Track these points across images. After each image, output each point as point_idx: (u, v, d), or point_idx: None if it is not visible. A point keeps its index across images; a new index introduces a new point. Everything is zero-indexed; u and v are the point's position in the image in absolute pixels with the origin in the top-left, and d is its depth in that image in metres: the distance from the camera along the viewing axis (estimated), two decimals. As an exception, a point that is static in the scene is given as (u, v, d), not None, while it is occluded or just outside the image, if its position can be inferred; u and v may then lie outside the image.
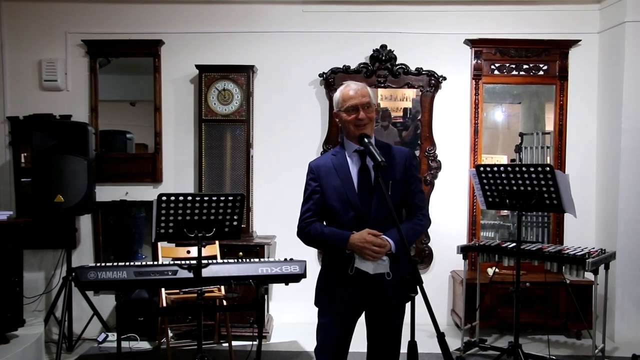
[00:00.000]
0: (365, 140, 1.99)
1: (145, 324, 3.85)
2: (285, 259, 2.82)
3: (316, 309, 2.17)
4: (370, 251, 1.95)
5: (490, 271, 3.89)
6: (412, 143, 4.28)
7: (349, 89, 2.07)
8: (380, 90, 4.26)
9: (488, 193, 3.15)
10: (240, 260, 2.91)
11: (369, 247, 1.95)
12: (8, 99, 4.22)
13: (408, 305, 1.81)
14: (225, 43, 4.25)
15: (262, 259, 3.17)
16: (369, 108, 2.05)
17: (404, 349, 1.94)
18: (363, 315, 2.14)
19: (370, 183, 2.04)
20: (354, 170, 2.07)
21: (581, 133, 4.25)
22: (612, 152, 4.04)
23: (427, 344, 3.45)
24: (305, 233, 2.10)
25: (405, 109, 4.30)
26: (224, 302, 3.56)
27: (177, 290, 3.34)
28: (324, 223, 2.13)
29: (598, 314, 3.46)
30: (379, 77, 4.22)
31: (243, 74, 4.10)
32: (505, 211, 4.27)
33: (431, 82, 4.22)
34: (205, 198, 2.57)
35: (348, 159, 2.09)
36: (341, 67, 4.21)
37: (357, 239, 1.97)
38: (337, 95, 2.11)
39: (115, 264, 2.64)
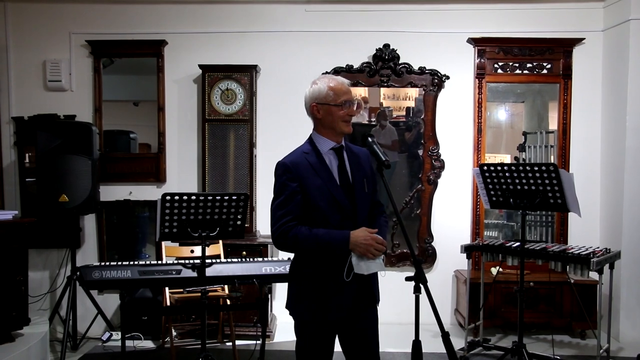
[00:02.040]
0: (369, 139, 1.99)
1: (149, 323, 3.86)
2: (289, 258, 2.81)
3: None
4: (374, 249, 1.83)
5: (494, 271, 3.88)
6: (415, 142, 4.27)
7: (340, 82, 1.98)
8: (383, 90, 4.26)
9: (492, 192, 3.14)
10: (243, 259, 2.93)
11: (374, 245, 1.83)
12: (13, 99, 4.24)
13: (412, 304, 1.80)
14: (228, 43, 4.25)
15: (265, 258, 3.18)
16: (354, 104, 2.01)
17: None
18: None
19: (349, 181, 1.97)
20: (333, 169, 1.96)
21: (585, 132, 4.22)
22: (616, 151, 4.02)
23: (431, 344, 3.43)
24: (291, 237, 1.85)
25: (408, 108, 4.29)
26: (228, 302, 3.56)
27: (181, 290, 3.35)
28: None
29: (603, 314, 3.43)
30: (382, 76, 4.22)
31: (246, 73, 4.10)
32: (509, 210, 4.25)
33: (434, 81, 4.22)
34: (209, 198, 2.58)
35: (324, 157, 1.96)
36: (344, 66, 4.21)
37: (362, 237, 1.83)
38: (322, 87, 1.98)
39: (119, 263, 2.66)
